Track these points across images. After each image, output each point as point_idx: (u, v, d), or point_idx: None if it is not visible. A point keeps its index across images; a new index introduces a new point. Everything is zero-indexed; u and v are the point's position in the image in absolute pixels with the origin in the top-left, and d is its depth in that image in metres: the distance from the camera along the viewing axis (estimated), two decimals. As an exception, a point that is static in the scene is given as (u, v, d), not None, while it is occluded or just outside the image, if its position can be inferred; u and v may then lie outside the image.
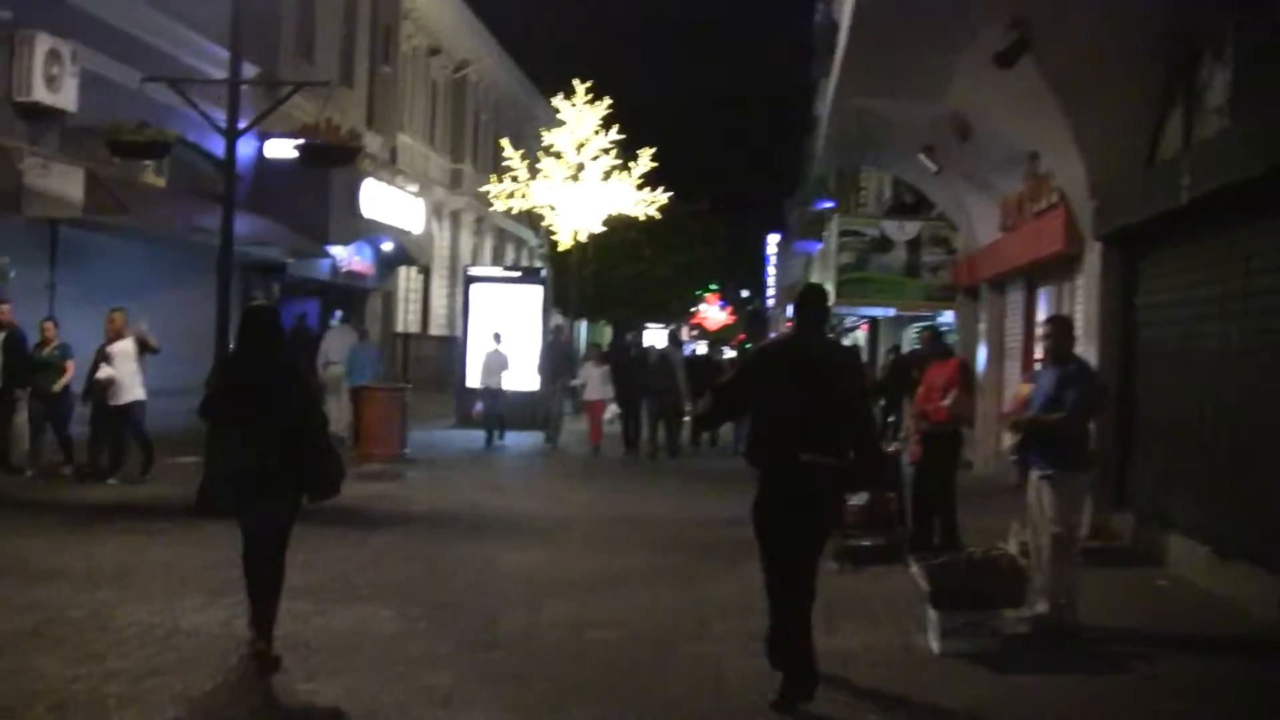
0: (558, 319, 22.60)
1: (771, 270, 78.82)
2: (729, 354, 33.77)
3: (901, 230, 21.74)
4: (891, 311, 25.77)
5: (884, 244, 21.67)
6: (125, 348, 13.38)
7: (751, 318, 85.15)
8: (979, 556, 7.77)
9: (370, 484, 14.11)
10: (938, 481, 11.00)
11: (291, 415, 6.72)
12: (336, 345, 19.52)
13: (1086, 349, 12.59)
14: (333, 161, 13.32)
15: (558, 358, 21.19)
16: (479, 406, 20.71)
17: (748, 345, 33.02)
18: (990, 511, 10.99)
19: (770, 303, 78.34)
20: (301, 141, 12.34)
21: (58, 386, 13.48)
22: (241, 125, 11.90)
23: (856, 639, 7.77)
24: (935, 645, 7.47)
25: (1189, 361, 10.61)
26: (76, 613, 7.66)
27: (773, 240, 77.39)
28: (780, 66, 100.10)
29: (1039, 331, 13.31)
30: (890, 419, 21.12)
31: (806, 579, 6.43)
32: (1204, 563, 9.65)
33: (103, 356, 13.32)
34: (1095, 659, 7.52)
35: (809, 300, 6.98)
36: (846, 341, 34.10)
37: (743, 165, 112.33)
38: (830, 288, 23.71)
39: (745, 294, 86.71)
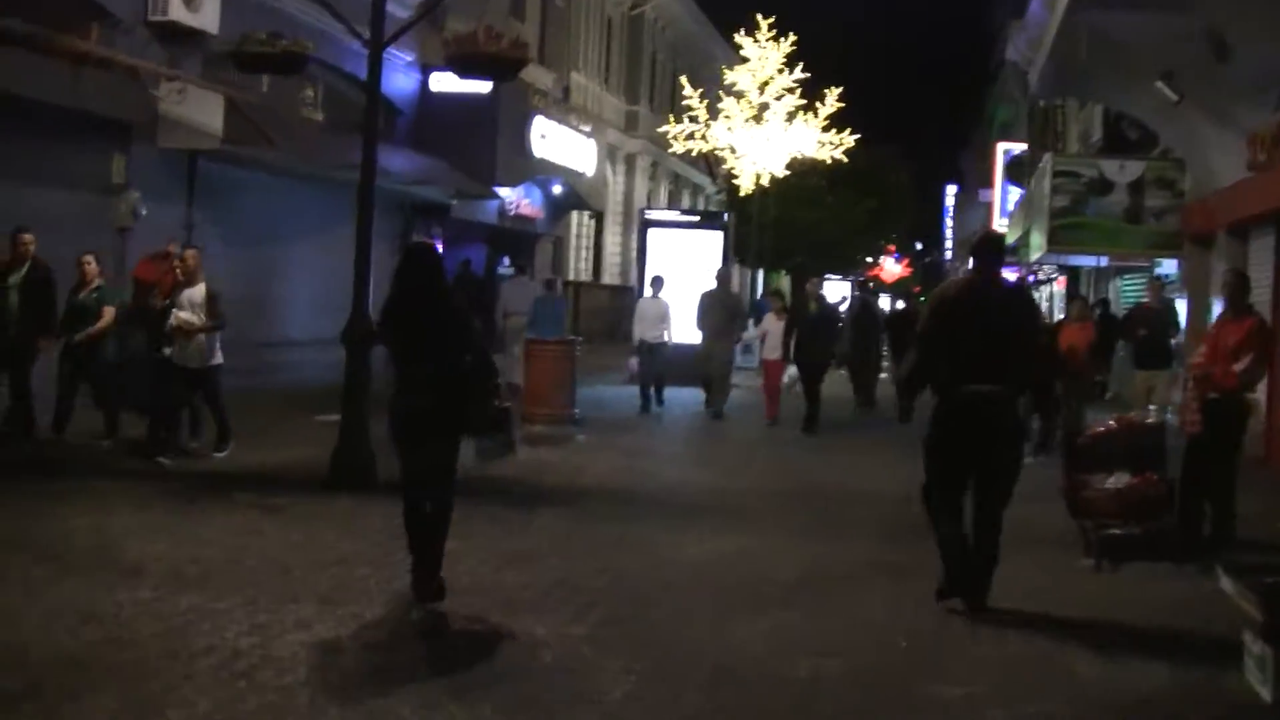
0: (725, 267, 20.10)
1: (949, 222, 75.78)
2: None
3: (1123, 171, 19.32)
4: (1104, 261, 23.38)
5: (1103, 186, 19.28)
6: (196, 295, 10.63)
7: (928, 269, 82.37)
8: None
9: (536, 449, 12.58)
10: (1218, 460, 9.11)
11: (452, 358, 6.58)
12: (518, 295, 18.03)
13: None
14: (493, 73, 11.44)
15: (719, 309, 17.55)
16: (634, 364, 17.88)
17: (923, 299, 31.09)
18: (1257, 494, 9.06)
19: (948, 255, 75.40)
20: (454, 52, 10.73)
21: (83, 336, 10.97)
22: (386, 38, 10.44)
23: (1149, 675, 5.96)
24: (1268, 693, 5.60)
25: None
26: (146, 628, 5.85)
27: (950, 191, 74.45)
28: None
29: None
30: (1099, 379, 19.00)
31: (993, 510, 6.93)
32: None
33: (170, 303, 10.68)
34: None
35: (986, 247, 7.33)
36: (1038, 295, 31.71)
37: (918, 115, 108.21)
38: (1040, 235, 21.50)
39: (919, 246, 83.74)
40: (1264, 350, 9.09)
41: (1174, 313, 14.88)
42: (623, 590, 7.18)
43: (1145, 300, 14.78)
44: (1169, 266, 22.06)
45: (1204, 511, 9.06)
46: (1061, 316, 15.13)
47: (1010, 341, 6.85)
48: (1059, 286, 33.55)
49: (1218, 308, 16.45)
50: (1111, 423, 9.52)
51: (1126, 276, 25.85)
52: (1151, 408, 13.28)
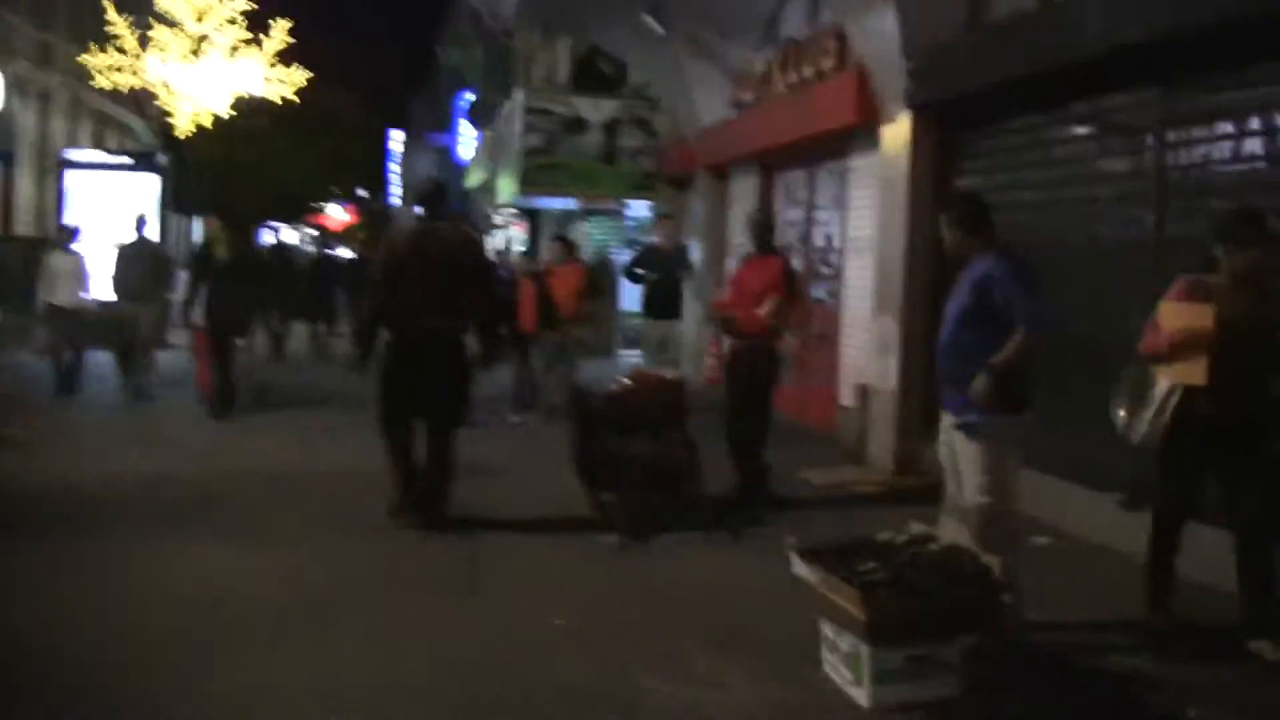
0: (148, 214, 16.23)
1: (395, 167, 74.29)
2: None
3: (597, 109, 18.78)
4: (574, 203, 23.00)
5: (578, 125, 18.69)
6: None
7: (375, 216, 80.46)
8: (928, 556, 5.07)
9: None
10: (747, 412, 8.38)
11: None
12: None
13: (885, 241, 10.29)
14: None
15: (139, 264, 13.73)
16: (42, 335, 14.05)
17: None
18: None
19: (396, 201, 73.87)
20: None
21: None
22: None
23: (720, 683, 5.02)
24: (864, 696, 4.76)
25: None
26: None
27: (396, 136, 72.93)
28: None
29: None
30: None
31: (437, 441, 7.53)
32: (1084, 507, 7.52)
33: None
34: (1110, 682, 5.10)
35: (429, 193, 7.93)
36: (498, 241, 31.05)
37: (372, 55, 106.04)
38: (511, 178, 20.59)
39: (364, 193, 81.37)
40: (791, 291, 8.47)
41: (687, 256, 13.98)
42: (60, 640, 5.15)
43: (658, 242, 13.65)
44: (642, 207, 22.00)
45: (757, 469, 8.40)
46: (547, 261, 13.79)
47: (457, 282, 7.37)
48: (518, 230, 33.15)
49: (694, 250, 16.40)
50: (626, 380, 8.57)
51: (595, 219, 25.70)
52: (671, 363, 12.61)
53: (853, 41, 10.23)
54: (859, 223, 11.24)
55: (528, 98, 19.17)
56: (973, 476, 5.51)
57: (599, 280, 14.43)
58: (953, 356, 5.56)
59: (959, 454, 5.64)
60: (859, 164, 11.48)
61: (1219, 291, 5.31)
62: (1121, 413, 5.64)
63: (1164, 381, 5.46)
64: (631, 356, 16.97)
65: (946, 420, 5.74)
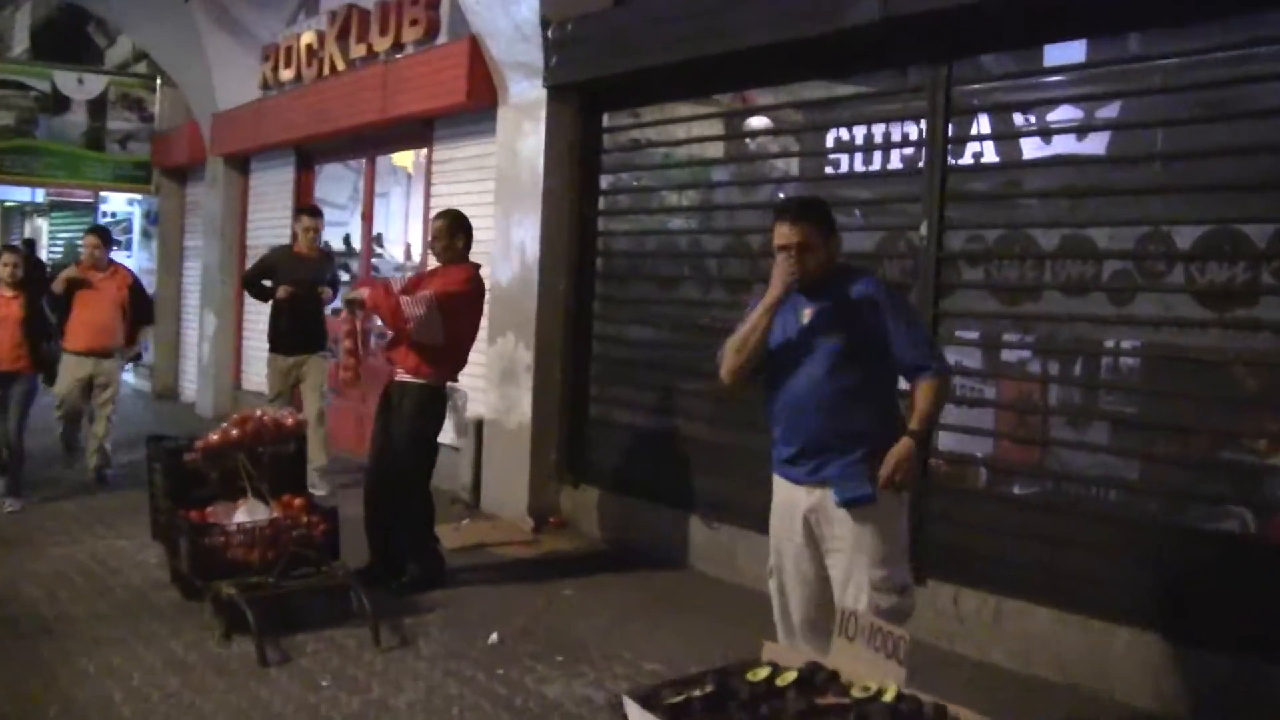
0: None
1: None
2: None
3: (82, 86, 15.66)
4: (39, 194, 19.44)
5: (59, 103, 15.45)
6: None
7: None
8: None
9: None
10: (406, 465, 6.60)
11: None
12: None
13: (511, 245, 8.76)
14: None
15: None
16: None
17: None
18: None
19: None
20: None
21: None
22: None
23: None
24: None
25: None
26: None
27: None
28: None
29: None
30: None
31: None
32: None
33: None
34: None
35: None
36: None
37: None
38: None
39: None
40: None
41: (333, 266, 9.95)
42: None
43: (294, 246, 9.53)
44: (117, 203, 18.98)
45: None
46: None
47: None
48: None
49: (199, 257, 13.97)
50: (230, 429, 6.47)
51: (58, 214, 22.03)
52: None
53: (465, 8, 8.53)
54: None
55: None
56: (870, 569, 4.05)
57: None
58: (834, 411, 4.07)
59: (834, 540, 4.14)
60: (450, 154, 9.86)
61: None
62: None
63: None
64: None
65: (801, 498, 4.20)
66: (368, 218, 11.79)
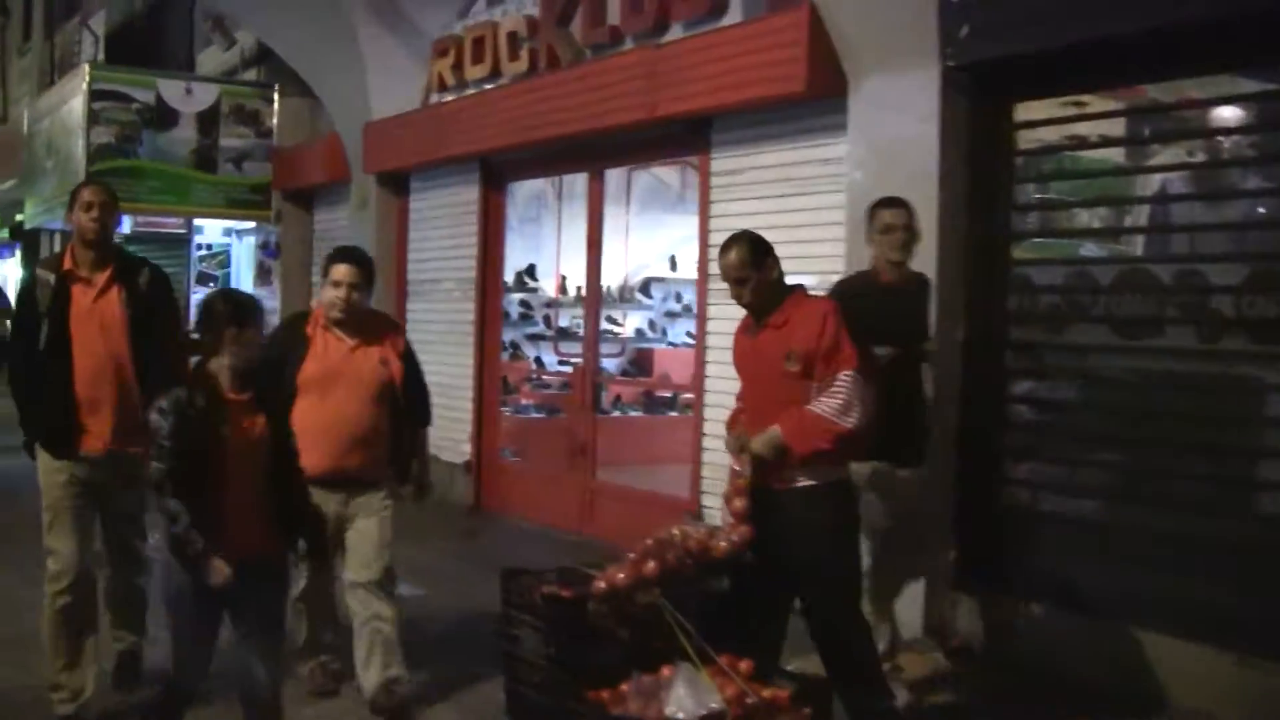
0: None
1: None
2: None
3: (190, 97, 13.59)
4: (124, 225, 17.36)
5: (165, 116, 13.38)
6: None
7: None
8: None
9: None
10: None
11: None
12: None
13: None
14: None
15: None
16: None
17: None
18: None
19: None
20: None
21: None
22: None
23: None
24: None
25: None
26: None
27: None
28: None
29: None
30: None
31: None
32: None
33: None
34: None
35: None
36: None
37: None
38: (53, 190, 14.83)
39: None
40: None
41: None
42: None
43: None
44: (213, 233, 16.85)
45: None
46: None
47: None
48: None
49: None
50: (643, 559, 4.48)
51: (137, 247, 19.87)
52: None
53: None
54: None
55: (92, 74, 13.48)
56: None
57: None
58: None
59: None
60: (738, 163, 7.79)
61: None
62: None
63: None
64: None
65: None
66: (594, 244, 9.68)
